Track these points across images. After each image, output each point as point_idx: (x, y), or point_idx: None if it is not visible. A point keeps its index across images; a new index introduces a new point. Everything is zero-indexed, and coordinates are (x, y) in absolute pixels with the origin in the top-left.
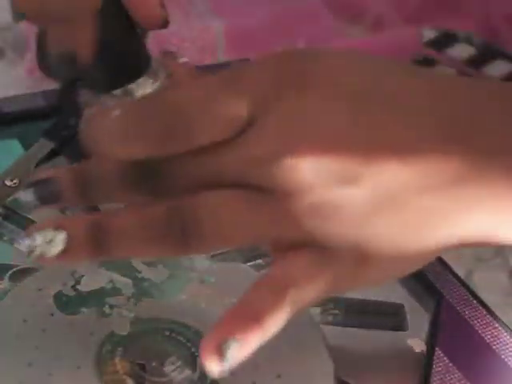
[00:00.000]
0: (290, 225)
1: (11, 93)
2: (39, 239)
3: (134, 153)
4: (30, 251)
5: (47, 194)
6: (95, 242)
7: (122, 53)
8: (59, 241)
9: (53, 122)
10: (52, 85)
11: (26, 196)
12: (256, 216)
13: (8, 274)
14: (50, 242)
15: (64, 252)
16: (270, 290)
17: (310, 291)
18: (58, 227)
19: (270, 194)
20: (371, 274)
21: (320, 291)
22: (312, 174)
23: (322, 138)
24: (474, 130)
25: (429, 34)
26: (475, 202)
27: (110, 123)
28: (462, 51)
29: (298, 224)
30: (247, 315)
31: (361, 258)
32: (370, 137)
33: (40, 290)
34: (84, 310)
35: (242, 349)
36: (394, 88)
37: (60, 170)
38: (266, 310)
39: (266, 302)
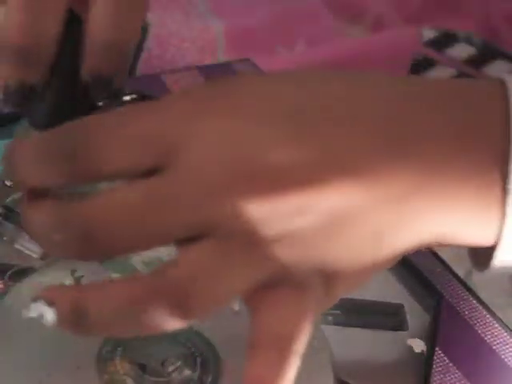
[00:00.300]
0: (265, 263)
1: None
2: (34, 311)
3: (45, 177)
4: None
5: None
6: (78, 321)
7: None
8: (50, 315)
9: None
10: None
11: None
12: (235, 267)
13: (7, 274)
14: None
15: (57, 324)
16: (274, 351)
17: (304, 333)
18: (49, 303)
19: (233, 239)
20: (339, 291)
21: (309, 327)
22: (265, 209)
23: (263, 168)
24: (418, 138)
25: (429, 33)
26: (426, 210)
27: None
28: (461, 51)
29: (272, 260)
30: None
31: (328, 280)
32: (313, 158)
33: (40, 290)
34: None
35: None
36: (330, 101)
37: None
38: (279, 374)
39: (275, 366)
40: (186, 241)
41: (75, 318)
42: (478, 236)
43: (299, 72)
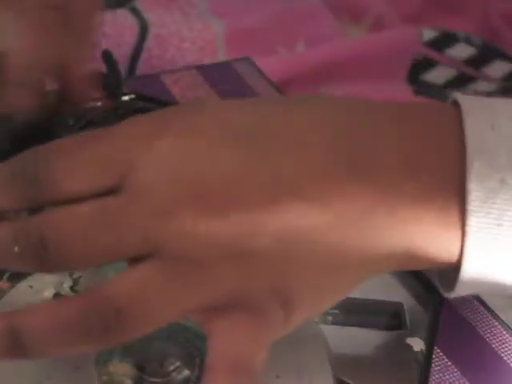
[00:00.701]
0: (213, 285)
1: None
2: None
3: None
4: None
5: None
6: (14, 346)
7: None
8: None
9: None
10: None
11: None
12: (179, 288)
13: (6, 275)
14: None
15: None
16: (229, 373)
17: (260, 354)
18: None
19: (179, 260)
20: (298, 316)
21: (266, 348)
22: (215, 230)
23: (212, 188)
24: (373, 159)
25: (429, 34)
26: (383, 232)
27: None
28: (461, 51)
29: (220, 281)
30: None
31: (286, 304)
32: (263, 182)
33: (38, 291)
34: None
35: None
36: (281, 125)
37: None
38: None
39: None
40: (136, 259)
41: (11, 344)
42: (441, 257)
43: (254, 100)
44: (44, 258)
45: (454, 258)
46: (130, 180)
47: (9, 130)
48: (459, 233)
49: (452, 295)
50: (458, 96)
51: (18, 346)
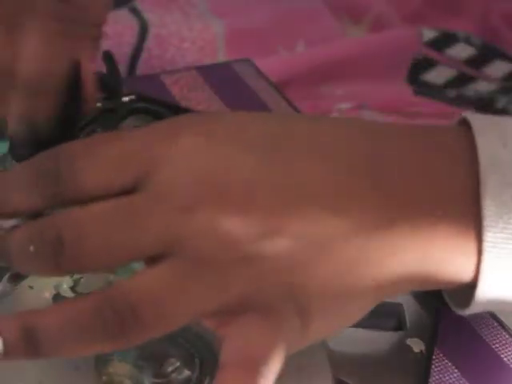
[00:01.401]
0: (229, 285)
1: None
2: None
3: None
4: None
5: None
6: (28, 345)
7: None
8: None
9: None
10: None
11: None
12: (196, 288)
13: (6, 276)
14: None
15: (3, 354)
16: (241, 372)
17: (273, 358)
18: None
19: (197, 259)
20: (319, 327)
21: (280, 354)
22: (235, 230)
23: (234, 188)
24: (390, 173)
25: (429, 34)
26: (399, 246)
27: None
28: (461, 51)
29: (236, 282)
30: None
31: (303, 311)
32: (286, 184)
33: (38, 291)
34: None
35: None
36: (305, 137)
37: None
38: None
39: None
40: (153, 259)
41: (25, 343)
42: (457, 272)
43: (274, 113)
44: (60, 257)
45: (470, 274)
46: (152, 178)
47: (29, 136)
48: (475, 248)
49: (466, 312)
50: (468, 116)
51: (32, 345)
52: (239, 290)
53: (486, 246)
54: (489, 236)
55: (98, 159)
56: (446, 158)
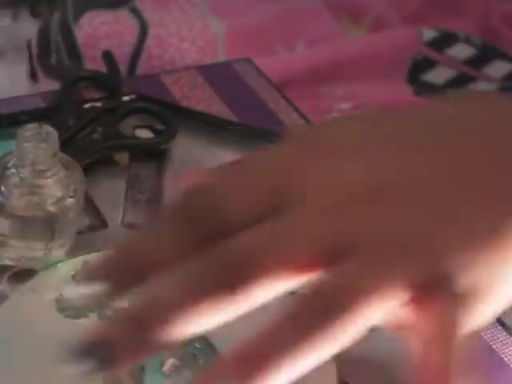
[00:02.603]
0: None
1: (11, 93)
2: None
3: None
4: None
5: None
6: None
7: None
8: None
9: (52, 123)
10: (51, 86)
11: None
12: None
13: (6, 276)
14: None
15: None
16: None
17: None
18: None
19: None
20: (488, 309)
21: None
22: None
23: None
24: None
25: (429, 34)
26: None
27: None
28: (461, 51)
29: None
30: None
31: (479, 294)
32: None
33: (41, 293)
34: (85, 313)
35: None
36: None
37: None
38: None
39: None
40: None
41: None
42: None
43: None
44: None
45: None
46: (302, 198)
47: None
48: None
49: None
50: None
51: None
52: (425, 270)
53: None
54: None
55: (240, 186)
56: None
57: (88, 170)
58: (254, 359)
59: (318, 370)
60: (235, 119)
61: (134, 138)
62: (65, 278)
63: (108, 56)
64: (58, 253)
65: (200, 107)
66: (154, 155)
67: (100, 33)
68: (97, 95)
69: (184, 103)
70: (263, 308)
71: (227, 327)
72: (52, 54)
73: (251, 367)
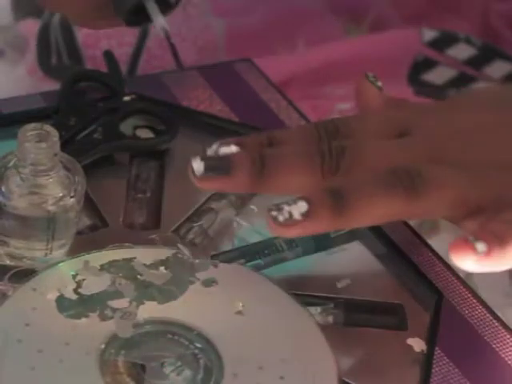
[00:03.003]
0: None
1: (11, 93)
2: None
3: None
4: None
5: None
6: (334, 205)
7: None
8: (302, 205)
9: (52, 123)
10: (52, 85)
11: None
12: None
13: (7, 276)
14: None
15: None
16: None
17: None
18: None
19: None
20: None
21: None
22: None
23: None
24: None
25: (429, 33)
26: None
27: None
28: (461, 51)
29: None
30: None
31: None
32: None
33: (42, 293)
34: (86, 313)
35: None
36: None
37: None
38: None
39: None
40: None
41: (332, 203)
42: None
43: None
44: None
45: None
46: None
47: None
48: None
49: None
50: None
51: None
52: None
53: None
54: None
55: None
56: None
57: (88, 169)
58: None
59: (318, 369)
60: (235, 119)
61: (135, 138)
62: (65, 277)
63: (109, 56)
64: (58, 253)
65: (200, 107)
66: (155, 155)
67: (100, 33)
68: (97, 95)
69: (185, 103)
70: (263, 309)
71: (227, 327)
72: (52, 53)
73: None
